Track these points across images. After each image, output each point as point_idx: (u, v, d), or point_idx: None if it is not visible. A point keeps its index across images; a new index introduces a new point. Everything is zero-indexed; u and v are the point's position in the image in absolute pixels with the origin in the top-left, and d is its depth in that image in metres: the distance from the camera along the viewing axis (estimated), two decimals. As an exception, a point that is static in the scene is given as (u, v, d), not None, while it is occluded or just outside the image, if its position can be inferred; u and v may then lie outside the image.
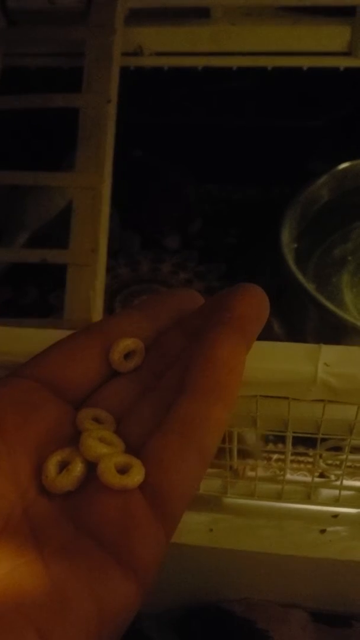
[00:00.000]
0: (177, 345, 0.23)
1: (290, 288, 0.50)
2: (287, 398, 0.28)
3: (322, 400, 0.28)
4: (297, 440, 0.34)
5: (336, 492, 0.37)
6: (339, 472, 0.36)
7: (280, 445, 0.45)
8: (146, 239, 0.67)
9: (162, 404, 0.21)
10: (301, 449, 0.43)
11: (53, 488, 0.20)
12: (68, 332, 0.24)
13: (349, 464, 0.35)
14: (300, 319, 0.50)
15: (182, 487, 0.19)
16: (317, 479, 0.37)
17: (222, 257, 0.65)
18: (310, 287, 0.49)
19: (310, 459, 0.43)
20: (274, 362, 0.26)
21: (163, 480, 0.19)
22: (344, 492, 0.37)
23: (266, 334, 0.24)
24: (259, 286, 0.23)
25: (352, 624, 0.40)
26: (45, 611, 0.17)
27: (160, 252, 0.66)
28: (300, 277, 0.49)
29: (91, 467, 0.20)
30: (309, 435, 0.32)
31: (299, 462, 0.44)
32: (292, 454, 0.43)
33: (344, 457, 0.34)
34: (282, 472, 0.37)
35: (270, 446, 0.43)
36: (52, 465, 0.20)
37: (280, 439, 0.41)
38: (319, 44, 0.55)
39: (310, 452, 0.43)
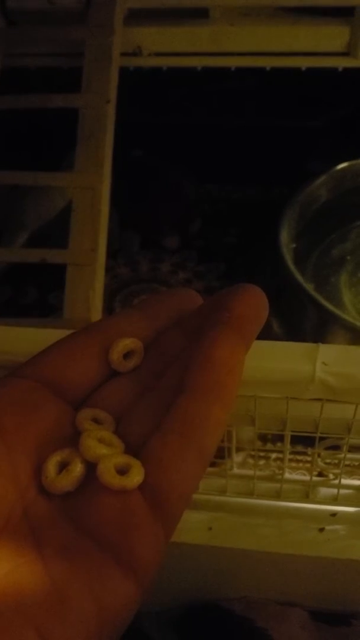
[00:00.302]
0: (176, 345, 0.23)
1: (289, 288, 0.50)
2: (285, 397, 0.28)
3: (320, 400, 0.28)
4: (296, 439, 0.34)
5: (335, 490, 0.37)
6: (337, 471, 0.36)
7: (279, 444, 0.45)
8: (145, 239, 0.67)
9: (162, 403, 0.21)
10: (300, 448, 0.44)
11: (53, 488, 0.20)
12: (68, 332, 0.24)
13: (347, 462, 0.35)
14: (299, 318, 0.51)
15: (181, 487, 0.19)
16: (315, 478, 0.37)
17: (222, 257, 0.65)
18: (309, 286, 0.50)
19: (309, 458, 0.43)
20: (272, 361, 0.26)
21: (162, 481, 0.19)
22: (343, 491, 0.37)
23: (265, 334, 0.24)
24: (258, 286, 0.23)
25: (351, 622, 0.40)
26: (45, 611, 0.17)
27: (159, 251, 0.66)
28: (298, 277, 0.50)
29: (91, 467, 0.20)
30: (307, 434, 0.32)
31: (297, 461, 0.45)
32: (291, 453, 0.43)
33: (342, 455, 0.34)
34: (280, 471, 0.37)
35: (269, 445, 0.43)
36: (51, 465, 0.20)
37: (279, 438, 0.42)
38: (317, 44, 0.55)
39: (309, 451, 0.43)
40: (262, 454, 0.44)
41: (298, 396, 0.27)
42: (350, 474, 0.38)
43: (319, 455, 0.35)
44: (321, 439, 0.33)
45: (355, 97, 0.63)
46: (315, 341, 0.27)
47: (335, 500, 0.37)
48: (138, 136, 0.63)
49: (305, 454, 0.44)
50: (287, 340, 0.27)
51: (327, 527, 0.37)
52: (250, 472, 0.37)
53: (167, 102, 0.66)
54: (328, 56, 0.55)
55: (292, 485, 0.37)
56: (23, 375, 0.22)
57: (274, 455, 0.46)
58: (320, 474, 0.39)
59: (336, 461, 0.37)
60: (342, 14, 0.54)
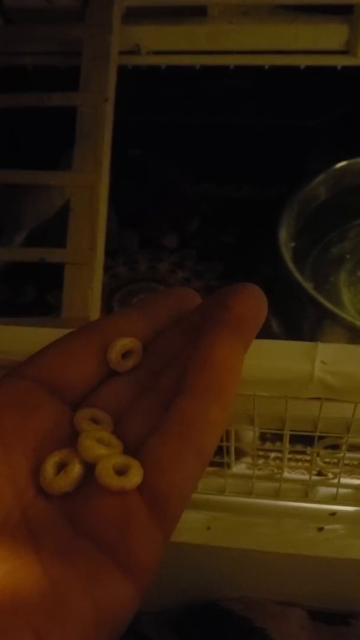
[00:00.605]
0: (175, 345, 0.23)
1: (288, 287, 0.50)
2: (284, 396, 0.28)
3: (319, 399, 0.28)
4: (295, 439, 0.34)
5: (334, 490, 0.37)
6: (336, 470, 0.36)
7: (278, 444, 0.45)
8: (144, 238, 0.67)
9: (160, 403, 0.21)
10: (299, 447, 0.44)
11: (51, 489, 0.19)
12: (66, 331, 0.24)
13: (346, 461, 0.35)
14: (298, 317, 0.50)
15: (180, 487, 0.19)
16: (314, 477, 0.37)
17: (220, 256, 0.65)
18: (308, 285, 0.50)
19: (308, 457, 0.43)
20: (271, 360, 0.26)
21: (161, 481, 0.19)
22: (342, 490, 0.37)
23: (264, 333, 0.24)
24: (257, 285, 0.23)
25: (350, 622, 0.40)
26: (43, 613, 0.17)
27: (158, 251, 0.66)
28: (298, 275, 0.49)
29: (89, 468, 0.20)
30: (306, 434, 0.32)
31: (296, 460, 0.45)
32: (290, 452, 0.43)
33: (341, 455, 0.34)
34: (279, 471, 0.37)
35: (268, 444, 0.43)
36: (50, 466, 0.20)
37: (278, 437, 0.41)
38: (316, 43, 0.55)
39: (308, 450, 0.43)
40: (261, 453, 0.44)
41: (297, 395, 0.27)
42: (350, 473, 0.38)
43: (318, 455, 0.35)
44: (320, 438, 0.32)
45: (354, 95, 0.62)
46: (314, 340, 0.27)
47: (334, 500, 0.37)
48: (136, 135, 0.63)
49: (304, 453, 0.44)
50: (286, 339, 0.27)
51: (326, 527, 0.37)
52: (249, 472, 0.37)
53: (165, 100, 0.66)
54: (327, 54, 0.55)
55: (291, 485, 0.37)
56: (21, 376, 0.22)
57: (272, 455, 0.46)
58: (319, 473, 0.39)
59: (335, 460, 0.37)
60: (341, 12, 0.54)
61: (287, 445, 0.33)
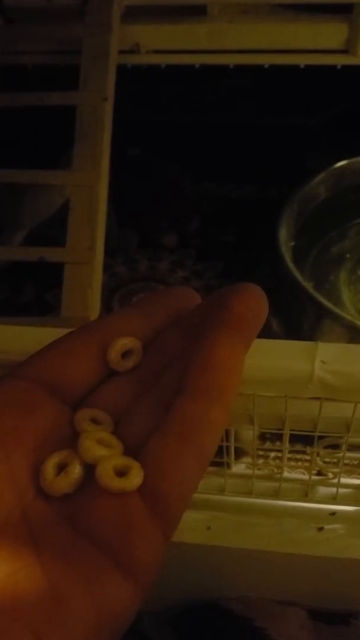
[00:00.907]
0: (175, 344, 0.23)
1: (288, 286, 0.50)
2: (284, 396, 0.28)
3: (319, 398, 0.28)
4: (295, 438, 0.34)
5: (334, 489, 0.37)
6: (336, 470, 0.36)
7: (277, 443, 0.45)
8: (144, 238, 0.67)
9: (161, 404, 0.21)
10: (299, 447, 0.43)
11: (51, 490, 0.19)
12: (65, 331, 0.24)
13: (346, 461, 0.35)
14: (298, 317, 0.50)
15: (180, 489, 0.19)
16: (314, 477, 0.37)
17: (220, 256, 0.65)
18: (307, 285, 0.49)
19: (308, 457, 0.43)
20: (271, 359, 0.26)
21: (161, 482, 0.19)
22: (342, 490, 0.37)
23: (264, 333, 0.24)
24: (258, 285, 0.23)
25: (350, 621, 0.40)
26: (43, 614, 0.17)
27: (157, 250, 0.66)
28: (297, 275, 0.49)
29: (89, 468, 0.20)
30: (306, 433, 0.32)
31: (296, 460, 0.44)
32: (290, 452, 0.43)
33: (341, 454, 0.34)
34: (279, 470, 0.37)
35: (268, 444, 0.43)
36: (50, 467, 0.20)
37: (277, 437, 0.41)
38: (316, 42, 0.55)
39: (308, 450, 0.43)
40: (260, 452, 0.44)
41: (297, 395, 0.27)
42: (350, 473, 0.38)
43: (318, 454, 0.35)
44: (320, 437, 0.32)
45: (353, 94, 0.62)
46: (314, 340, 0.27)
47: (334, 500, 0.37)
48: (136, 134, 0.62)
49: (304, 452, 0.44)
50: (286, 338, 0.27)
51: (326, 526, 0.37)
52: (249, 471, 0.36)
53: (165, 100, 0.66)
54: (327, 53, 0.55)
55: (291, 485, 0.37)
56: (20, 376, 0.22)
57: (272, 454, 0.46)
58: (319, 473, 0.39)
59: (335, 460, 0.37)
60: (341, 11, 0.54)
61: (287, 444, 0.33)
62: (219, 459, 0.34)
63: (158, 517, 0.19)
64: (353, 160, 0.58)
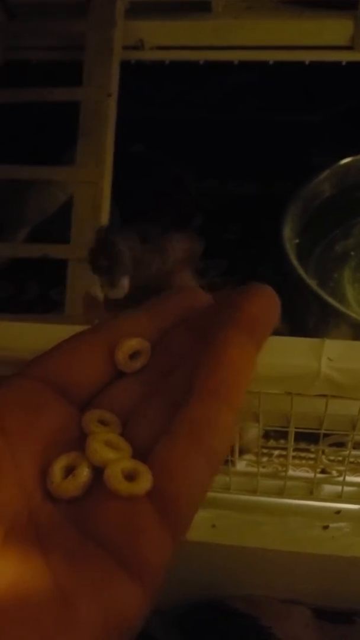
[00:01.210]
0: (183, 345, 0.23)
1: (293, 283, 0.50)
2: (290, 393, 0.28)
3: (324, 396, 0.28)
4: (299, 436, 0.33)
5: (339, 488, 0.36)
6: (341, 468, 0.36)
7: (282, 441, 0.44)
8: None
9: (169, 405, 0.20)
10: (303, 445, 0.43)
11: (59, 494, 0.19)
12: (69, 327, 0.24)
13: (351, 460, 0.34)
14: (303, 314, 0.50)
15: (190, 492, 0.19)
16: (319, 475, 0.37)
17: (223, 253, 0.65)
18: (312, 282, 0.49)
19: (312, 455, 0.43)
20: (278, 356, 0.26)
21: (170, 486, 0.19)
22: (347, 488, 0.36)
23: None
24: (261, 282, 0.23)
25: (355, 620, 0.40)
26: (51, 618, 0.16)
27: (161, 247, 0.66)
28: (302, 272, 0.49)
29: (97, 471, 0.19)
30: (311, 431, 0.32)
31: (300, 458, 0.44)
32: (294, 450, 0.43)
33: (346, 452, 0.34)
34: (284, 468, 0.37)
35: (272, 442, 0.43)
36: (57, 470, 0.19)
37: (281, 435, 0.41)
38: (321, 38, 0.55)
39: (312, 448, 0.42)
40: (265, 450, 0.44)
41: (303, 392, 0.27)
42: (355, 471, 0.37)
43: (323, 453, 0.35)
44: (325, 435, 0.32)
45: (359, 91, 0.62)
46: (318, 337, 0.27)
47: (339, 498, 0.37)
48: (139, 131, 0.62)
49: (308, 451, 0.44)
50: (290, 336, 0.27)
51: (332, 525, 0.36)
52: (254, 470, 0.36)
53: (168, 96, 0.66)
54: (332, 50, 0.54)
55: (295, 483, 0.37)
56: (27, 376, 0.22)
57: (276, 452, 0.45)
58: (323, 472, 0.38)
59: (340, 458, 0.36)
60: (345, 7, 0.53)
61: (292, 442, 0.33)
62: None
63: (167, 520, 0.18)
64: (358, 157, 0.58)
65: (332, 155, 0.59)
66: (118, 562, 0.18)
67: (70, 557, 0.18)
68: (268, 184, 0.69)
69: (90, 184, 0.47)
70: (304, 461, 0.43)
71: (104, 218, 0.48)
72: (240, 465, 0.38)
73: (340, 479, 0.36)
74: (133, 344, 0.22)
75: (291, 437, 0.33)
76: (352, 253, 0.59)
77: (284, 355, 0.26)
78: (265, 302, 0.21)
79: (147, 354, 0.23)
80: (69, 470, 0.19)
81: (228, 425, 0.20)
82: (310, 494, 0.37)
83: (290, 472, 0.37)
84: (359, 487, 0.37)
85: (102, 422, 0.21)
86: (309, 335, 0.50)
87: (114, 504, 0.18)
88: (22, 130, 0.62)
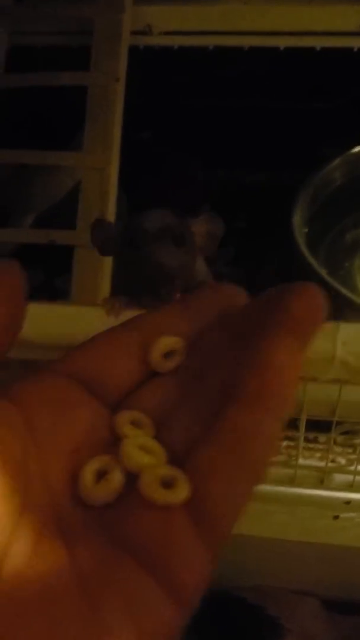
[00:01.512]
0: (220, 345, 0.21)
1: (302, 272, 0.49)
2: (303, 378, 0.27)
3: (338, 381, 0.27)
4: (310, 425, 0.33)
5: (350, 477, 0.36)
6: (353, 457, 0.35)
7: (291, 432, 0.44)
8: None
9: (206, 409, 0.19)
10: (314, 434, 0.43)
11: (90, 499, 0.18)
12: (77, 307, 0.23)
13: (364, 448, 0.34)
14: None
15: (230, 505, 0.17)
16: (330, 464, 0.36)
17: (231, 242, 0.64)
18: (322, 271, 0.49)
19: (322, 445, 0.42)
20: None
21: (209, 498, 0.17)
22: (358, 478, 0.36)
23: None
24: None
25: (364, 612, 0.39)
26: (81, 633, 0.15)
27: (168, 237, 0.65)
28: (312, 261, 0.49)
29: (130, 476, 0.19)
30: (323, 419, 0.31)
31: (309, 448, 0.44)
32: (305, 439, 0.42)
33: (358, 441, 0.33)
34: (294, 457, 0.36)
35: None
36: (88, 473, 0.18)
37: (292, 424, 0.41)
38: (332, 24, 0.54)
39: (323, 437, 0.42)
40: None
41: (318, 376, 0.26)
42: (366, 461, 0.37)
43: (334, 441, 0.34)
44: (337, 423, 0.32)
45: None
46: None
47: (350, 487, 0.36)
48: (147, 118, 0.62)
49: (317, 441, 0.44)
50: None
51: (342, 515, 0.36)
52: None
53: (177, 82, 0.65)
54: (343, 36, 0.54)
55: (306, 472, 0.36)
56: (57, 371, 0.21)
57: (284, 442, 0.45)
58: (334, 461, 0.38)
59: (351, 448, 0.36)
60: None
61: (302, 431, 0.32)
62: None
63: (204, 534, 0.17)
64: (369, 145, 0.57)
65: (342, 143, 0.58)
66: (152, 576, 0.16)
67: (100, 562, 0.16)
68: (277, 173, 0.68)
69: (98, 170, 0.47)
70: (313, 452, 0.43)
71: (111, 205, 0.47)
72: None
73: (352, 468, 0.36)
74: (169, 342, 0.21)
75: (302, 425, 0.32)
76: (363, 242, 0.58)
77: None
78: (313, 303, 0.20)
79: (182, 353, 0.21)
80: (101, 475, 0.18)
81: (272, 436, 0.18)
82: (320, 484, 0.36)
83: (301, 461, 0.37)
84: (370, 476, 0.36)
85: (135, 424, 0.20)
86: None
87: (148, 514, 0.17)
88: (29, 116, 0.62)
